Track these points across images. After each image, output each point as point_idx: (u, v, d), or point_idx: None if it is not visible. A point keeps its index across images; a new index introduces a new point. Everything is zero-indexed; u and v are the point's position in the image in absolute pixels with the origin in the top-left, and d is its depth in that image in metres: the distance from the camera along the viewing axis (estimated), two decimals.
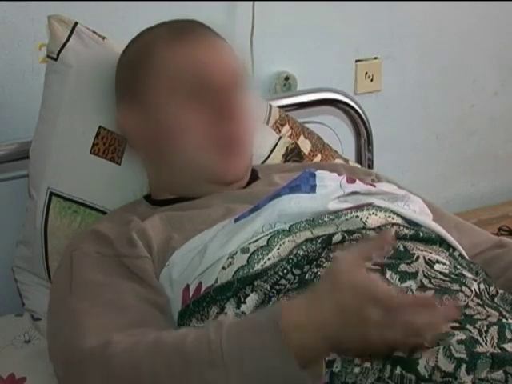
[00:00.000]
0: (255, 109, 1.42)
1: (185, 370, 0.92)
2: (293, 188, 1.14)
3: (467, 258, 1.19)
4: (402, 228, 1.13)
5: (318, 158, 1.60)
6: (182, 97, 1.26)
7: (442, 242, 1.16)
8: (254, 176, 1.38)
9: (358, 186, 1.18)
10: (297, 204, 1.12)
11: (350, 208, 1.14)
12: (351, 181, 1.18)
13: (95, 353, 1.00)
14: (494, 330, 0.93)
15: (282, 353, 0.86)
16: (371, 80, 2.13)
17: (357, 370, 0.91)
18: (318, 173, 1.17)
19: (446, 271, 1.04)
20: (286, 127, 1.60)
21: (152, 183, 1.38)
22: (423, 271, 1.02)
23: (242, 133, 1.29)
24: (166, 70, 1.28)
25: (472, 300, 1.00)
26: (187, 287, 1.09)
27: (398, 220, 1.15)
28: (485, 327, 0.93)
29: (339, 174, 1.20)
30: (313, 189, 1.14)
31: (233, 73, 1.30)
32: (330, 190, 1.15)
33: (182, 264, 1.12)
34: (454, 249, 1.17)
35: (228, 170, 1.28)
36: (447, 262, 1.08)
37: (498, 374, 0.86)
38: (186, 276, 1.10)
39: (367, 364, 0.91)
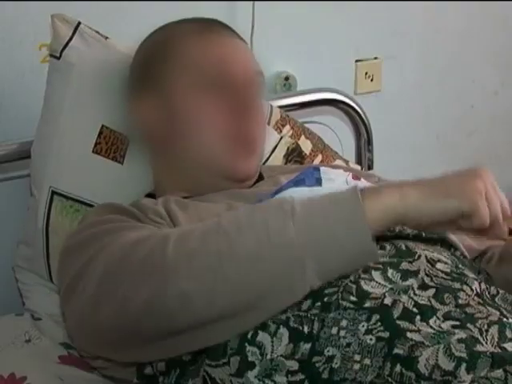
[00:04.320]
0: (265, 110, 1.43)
1: (249, 218, 0.97)
2: (297, 182, 1.14)
3: (468, 257, 1.19)
4: (404, 227, 1.13)
5: (319, 158, 1.60)
6: (202, 89, 1.26)
7: (443, 242, 1.16)
8: (260, 176, 1.38)
9: (363, 183, 1.18)
10: (302, 197, 1.11)
11: None
12: (356, 178, 1.19)
13: (151, 235, 1.02)
14: (494, 329, 0.93)
15: (359, 223, 0.93)
16: (371, 80, 2.13)
17: (356, 366, 0.91)
18: (323, 168, 1.17)
19: (448, 270, 1.04)
20: (287, 127, 1.60)
21: (157, 181, 1.36)
22: (425, 269, 1.02)
23: (258, 132, 1.30)
24: (190, 61, 1.27)
25: (473, 299, 0.99)
26: None
27: None
28: (485, 326, 0.93)
29: (344, 171, 1.21)
30: (318, 181, 1.14)
31: (253, 72, 1.31)
32: (337, 184, 1.14)
33: None
34: (456, 249, 1.17)
35: (241, 167, 1.28)
36: (449, 261, 1.07)
37: (498, 373, 0.86)
38: None
39: (367, 361, 0.91)
